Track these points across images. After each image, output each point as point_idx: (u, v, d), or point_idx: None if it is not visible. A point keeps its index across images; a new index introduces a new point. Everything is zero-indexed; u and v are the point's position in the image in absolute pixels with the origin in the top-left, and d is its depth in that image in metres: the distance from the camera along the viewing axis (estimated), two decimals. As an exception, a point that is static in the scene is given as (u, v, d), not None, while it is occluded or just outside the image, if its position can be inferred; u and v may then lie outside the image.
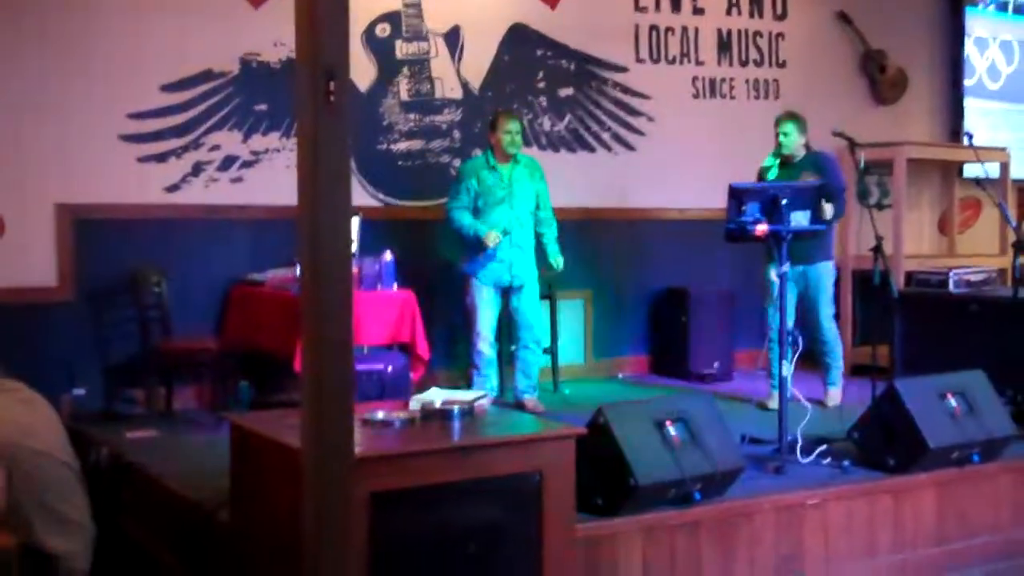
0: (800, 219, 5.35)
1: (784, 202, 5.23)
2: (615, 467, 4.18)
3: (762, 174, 6.59)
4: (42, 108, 6.23)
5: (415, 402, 4.13)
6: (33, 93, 6.21)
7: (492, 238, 6.36)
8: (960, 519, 5.02)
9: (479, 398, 4.22)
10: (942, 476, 4.99)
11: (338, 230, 2.83)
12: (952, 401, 5.06)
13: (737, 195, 5.32)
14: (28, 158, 6.20)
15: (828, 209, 6.13)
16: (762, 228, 5.23)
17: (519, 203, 6.51)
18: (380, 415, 3.96)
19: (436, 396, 4.20)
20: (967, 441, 5.00)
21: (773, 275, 5.30)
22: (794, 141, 6.60)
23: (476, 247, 6.45)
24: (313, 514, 3.04)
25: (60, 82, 6.28)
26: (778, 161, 6.61)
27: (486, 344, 6.56)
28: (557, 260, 6.67)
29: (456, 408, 4.00)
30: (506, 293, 6.61)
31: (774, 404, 5.91)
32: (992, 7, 9.80)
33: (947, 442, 4.92)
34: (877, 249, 5.63)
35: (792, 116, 6.70)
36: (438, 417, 3.99)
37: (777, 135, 6.65)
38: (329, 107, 2.70)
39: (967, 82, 9.57)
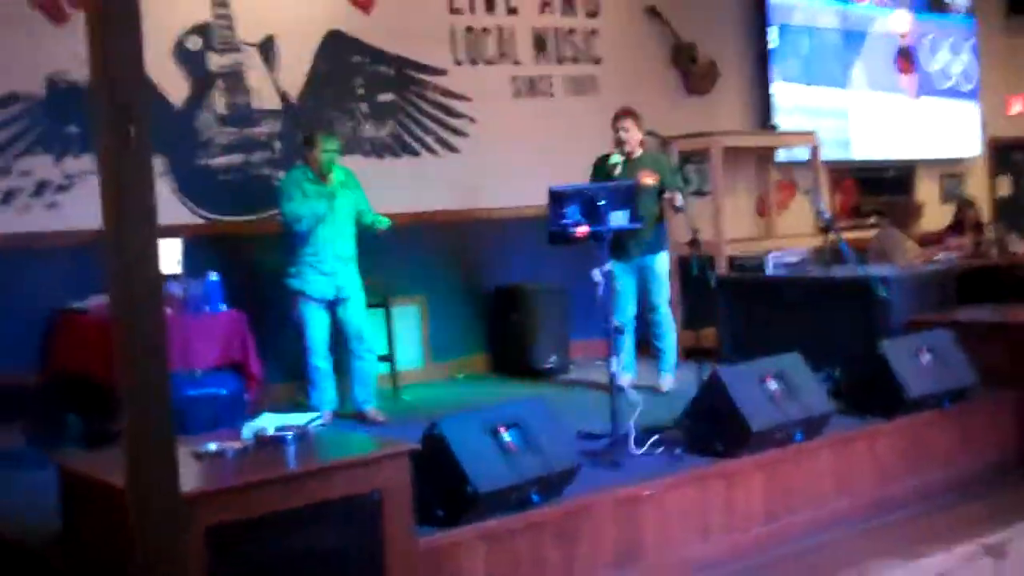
0: (619, 219, 5.49)
1: (602, 203, 5.36)
2: (453, 478, 4.22)
3: (607, 170, 6.72)
4: None
5: (247, 430, 4.10)
6: None
7: (330, 181, 6.36)
8: (786, 496, 5.24)
9: (312, 420, 4.22)
10: (768, 457, 5.19)
11: (146, 268, 2.80)
12: (772, 384, 5.28)
13: (557, 198, 5.43)
14: None
15: (678, 198, 6.43)
16: (583, 230, 5.35)
17: (340, 216, 6.44)
18: (212, 447, 3.93)
19: (269, 422, 4.17)
20: (788, 421, 5.22)
21: (596, 275, 5.42)
22: (634, 137, 6.77)
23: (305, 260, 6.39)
24: (143, 555, 3.01)
25: None
26: (623, 159, 6.75)
27: (319, 358, 6.52)
28: (380, 219, 6.56)
29: (290, 434, 3.99)
30: (332, 306, 6.55)
31: (624, 382, 6.18)
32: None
33: (770, 424, 5.13)
34: (694, 242, 5.81)
35: (630, 112, 6.84)
36: (272, 444, 3.97)
37: (616, 131, 6.79)
38: (128, 149, 2.65)
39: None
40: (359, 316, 6.59)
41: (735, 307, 7.62)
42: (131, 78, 2.79)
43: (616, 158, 6.77)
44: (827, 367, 6.15)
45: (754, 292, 7.57)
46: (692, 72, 9.44)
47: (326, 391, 6.55)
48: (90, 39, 2.82)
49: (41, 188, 6.51)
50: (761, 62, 9.91)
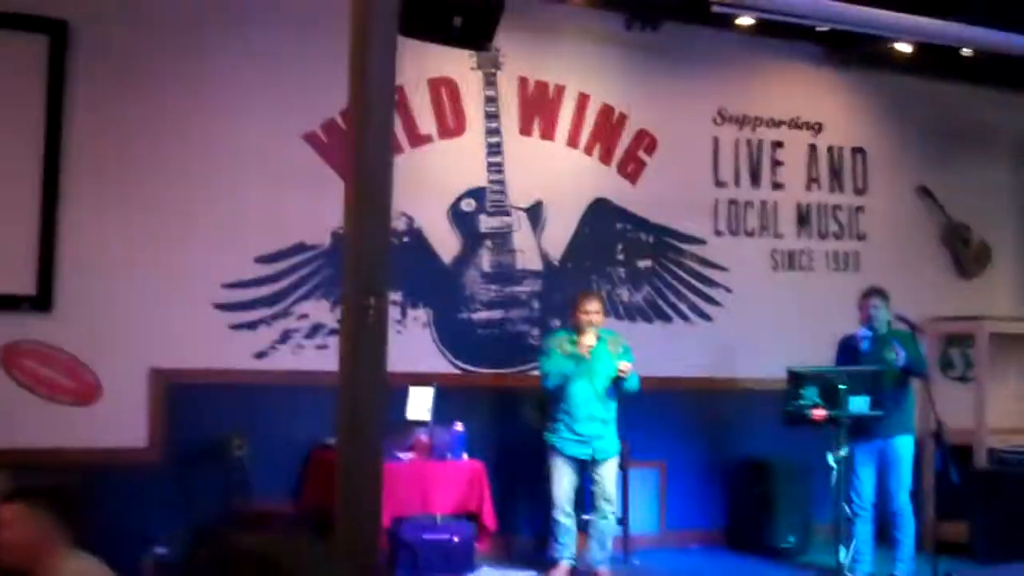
0: (859, 404, 5.43)
1: (842, 387, 5.33)
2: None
3: (853, 344, 6.72)
4: (144, 275, 6.62)
5: (463, 583, 4.28)
6: (136, 259, 6.62)
7: (588, 339, 6.51)
8: None
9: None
10: (1003, 672, 4.91)
11: (374, 431, 3.05)
12: (1013, 595, 5.01)
13: (795, 379, 5.44)
14: (127, 323, 6.58)
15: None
16: (820, 413, 5.33)
17: (599, 378, 6.64)
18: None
19: (485, 576, 4.34)
20: (1028, 637, 4.92)
21: (831, 460, 5.36)
22: (883, 315, 6.77)
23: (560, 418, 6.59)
24: None
25: (162, 250, 6.68)
26: (871, 334, 6.76)
27: (562, 514, 6.63)
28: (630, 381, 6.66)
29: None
30: (585, 465, 6.68)
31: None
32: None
33: (1006, 637, 4.86)
34: (938, 436, 5.65)
35: (880, 292, 6.88)
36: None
37: (867, 308, 6.80)
38: (366, 324, 2.94)
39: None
40: (612, 478, 6.71)
41: (991, 502, 7.25)
42: (378, 259, 3.10)
43: (865, 332, 6.74)
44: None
45: (1010, 488, 7.18)
46: (963, 254, 9.21)
47: (566, 546, 6.65)
48: (346, 223, 3.16)
49: (315, 330, 7.05)
50: (1039, 247, 9.55)
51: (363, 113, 3.00)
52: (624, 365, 6.57)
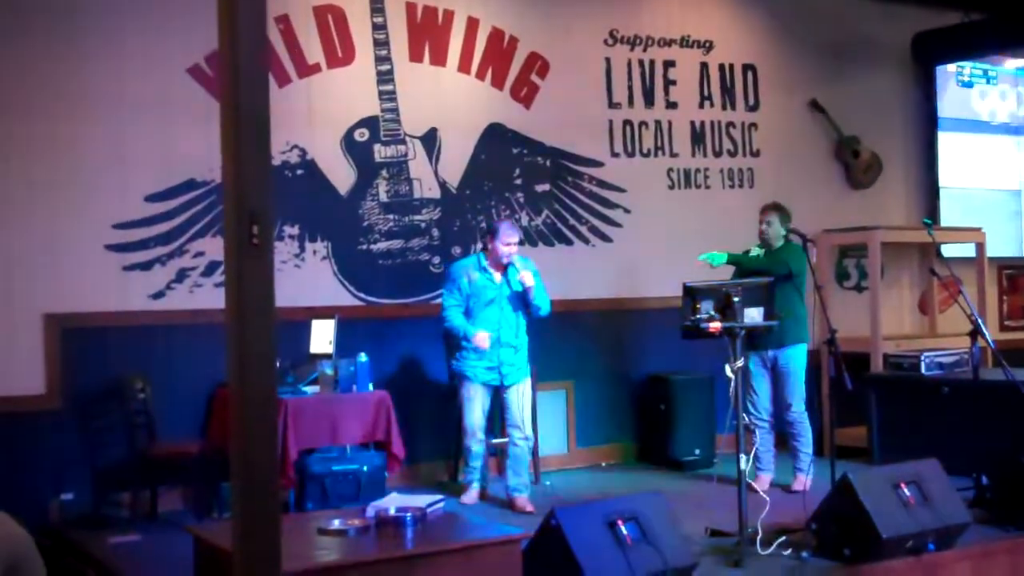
0: (754, 315, 5.52)
1: (736, 300, 5.41)
2: (567, 569, 4.30)
3: (747, 262, 6.84)
4: (30, 218, 6.46)
5: (371, 509, 4.30)
6: (21, 203, 6.44)
7: (481, 339, 6.49)
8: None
9: (434, 503, 4.38)
10: (899, 565, 5.08)
11: (264, 359, 3.00)
12: (906, 491, 5.18)
13: (691, 293, 5.51)
14: (17, 268, 6.41)
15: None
16: (715, 326, 5.41)
17: (509, 304, 6.63)
18: (336, 523, 4.14)
19: (392, 502, 4.36)
20: (921, 530, 5.10)
21: (728, 371, 5.47)
22: (775, 231, 6.85)
23: (467, 346, 6.58)
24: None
25: (48, 193, 6.50)
26: (763, 251, 6.88)
27: (474, 440, 6.63)
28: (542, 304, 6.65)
29: (408, 515, 4.16)
30: (495, 391, 6.68)
31: (758, 485, 6.10)
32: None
33: (901, 532, 5.03)
34: (831, 342, 5.77)
35: (776, 207, 6.95)
36: (391, 525, 4.15)
37: (761, 224, 6.89)
38: (252, 248, 2.90)
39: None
40: (520, 404, 6.68)
41: (886, 406, 7.48)
42: (260, 182, 3.04)
43: (756, 250, 6.87)
44: (975, 472, 6.00)
45: (905, 391, 7.42)
46: (854, 165, 9.37)
47: (476, 470, 6.68)
48: (223, 143, 3.10)
49: (212, 268, 6.94)
50: (928, 155, 9.76)
51: (233, 34, 2.93)
52: (526, 276, 6.51)
